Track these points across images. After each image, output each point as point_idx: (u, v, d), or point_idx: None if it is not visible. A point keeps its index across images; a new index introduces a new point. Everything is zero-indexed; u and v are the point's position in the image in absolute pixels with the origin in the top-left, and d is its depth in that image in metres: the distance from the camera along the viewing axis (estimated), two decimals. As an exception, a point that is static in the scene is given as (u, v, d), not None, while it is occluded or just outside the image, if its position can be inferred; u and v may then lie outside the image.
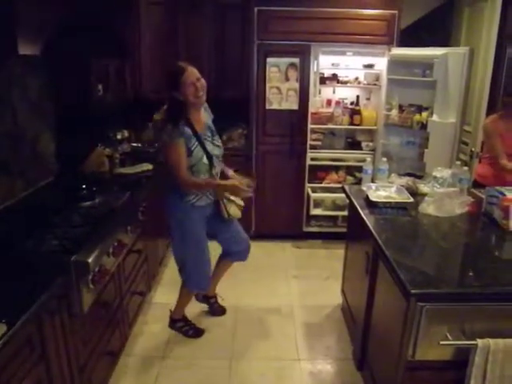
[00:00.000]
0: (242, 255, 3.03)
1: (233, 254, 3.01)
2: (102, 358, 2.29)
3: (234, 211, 2.77)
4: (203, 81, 2.48)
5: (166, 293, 3.47)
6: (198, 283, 2.86)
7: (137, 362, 2.73)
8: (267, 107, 4.08)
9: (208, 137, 2.60)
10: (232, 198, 2.75)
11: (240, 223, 2.99)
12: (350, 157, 4.36)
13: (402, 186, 2.86)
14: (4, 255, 1.89)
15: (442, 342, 1.72)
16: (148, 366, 2.70)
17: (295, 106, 4.08)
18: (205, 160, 2.54)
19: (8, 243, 1.98)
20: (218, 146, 2.66)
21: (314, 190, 4.37)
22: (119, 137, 3.82)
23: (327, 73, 4.22)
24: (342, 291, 3.22)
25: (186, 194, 2.61)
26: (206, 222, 2.74)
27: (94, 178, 3.05)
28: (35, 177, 2.77)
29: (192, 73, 2.43)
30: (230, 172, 2.80)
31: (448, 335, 1.74)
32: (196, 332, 3.01)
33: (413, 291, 1.71)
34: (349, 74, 4.30)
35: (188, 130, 2.48)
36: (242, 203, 2.82)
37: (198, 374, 2.64)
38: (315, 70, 4.02)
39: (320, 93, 4.30)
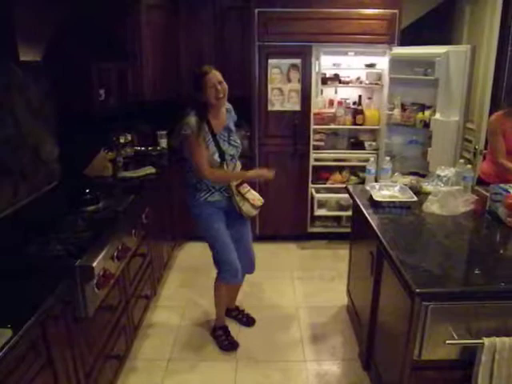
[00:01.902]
0: (249, 267, 2.99)
1: (241, 263, 2.89)
2: (108, 362, 2.29)
3: (247, 209, 2.76)
4: (225, 84, 2.62)
5: (171, 296, 3.48)
6: (229, 272, 2.80)
7: (143, 365, 2.73)
8: (269, 108, 4.09)
9: (224, 136, 2.71)
10: (247, 196, 2.77)
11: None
12: (353, 157, 4.36)
13: (406, 185, 2.85)
14: (9, 260, 1.90)
15: (448, 342, 1.72)
16: (154, 369, 2.70)
17: (297, 107, 4.08)
18: (216, 157, 2.65)
19: (12, 248, 1.99)
20: (234, 145, 2.75)
21: (318, 191, 4.37)
22: (122, 140, 3.83)
23: (329, 73, 4.22)
24: (348, 291, 3.22)
25: (197, 191, 2.71)
26: (223, 216, 2.79)
27: (97, 182, 3.07)
28: (39, 182, 2.78)
29: (214, 75, 2.58)
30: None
31: (454, 334, 1.73)
32: (231, 345, 2.93)
33: (417, 290, 1.70)
34: (350, 74, 4.30)
35: (206, 127, 2.62)
36: (259, 203, 2.81)
37: (203, 377, 2.65)
38: (317, 70, 4.02)
39: (322, 93, 4.31)
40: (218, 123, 2.70)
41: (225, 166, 2.68)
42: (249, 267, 2.99)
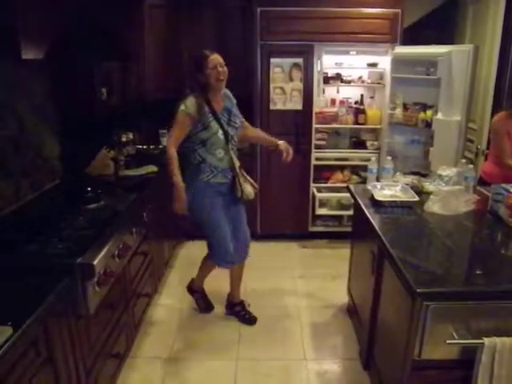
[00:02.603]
0: (244, 251, 3.05)
1: (235, 246, 2.98)
2: (108, 360, 2.30)
3: (248, 191, 2.87)
4: (226, 69, 2.71)
5: (172, 294, 3.49)
6: (224, 257, 2.94)
7: (143, 363, 2.74)
8: (271, 108, 4.09)
9: (224, 117, 2.79)
10: (248, 177, 2.91)
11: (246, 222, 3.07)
12: (355, 156, 4.36)
13: (407, 184, 2.85)
14: (10, 258, 1.90)
15: (448, 341, 1.71)
16: (154, 367, 2.71)
17: (299, 106, 4.08)
18: (220, 135, 2.74)
19: (14, 246, 1.99)
20: (233, 126, 2.84)
21: (320, 190, 4.36)
22: (124, 139, 3.83)
23: (331, 72, 4.22)
24: (348, 291, 3.21)
25: (199, 173, 2.78)
26: (221, 200, 2.86)
27: (99, 181, 3.07)
28: (40, 180, 2.78)
29: (216, 58, 2.69)
30: (280, 142, 3.02)
31: (454, 334, 1.73)
32: (207, 307, 3.25)
33: (418, 290, 1.70)
34: (352, 73, 4.30)
35: (206, 107, 2.70)
36: (256, 185, 2.96)
37: (204, 375, 2.65)
38: (319, 69, 4.02)
39: (324, 92, 4.31)
40: (218, 104, 2.78)
41: (229, 146, 2.78)
42: (244, 251, 3.06)
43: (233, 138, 2.82)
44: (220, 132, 2.74)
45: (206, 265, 3.15)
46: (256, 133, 3.20)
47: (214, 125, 2.72)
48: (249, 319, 3.16)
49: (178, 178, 2.70)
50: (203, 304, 3.26)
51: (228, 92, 2.89)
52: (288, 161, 2.98)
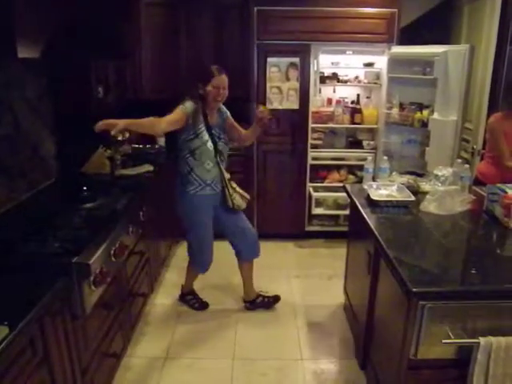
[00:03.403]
0: (253, 251, 3.15)
1: (244, 250, 3.12)
2: (104, 360, 2.29)
3: (238, 201, 2.95)
4: (227, 92, 2.78)
5: (168, 294, 3.48)
6: (199, 263, 3.12)
7: (139, 363, 2.73)
8: (268, 107, 4.07)
9: (216, 132, 2.85)
10: (238, 189, 2.98)
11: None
12: (351, 156, 4.36)
13: (403, 184, 2.86)
14: (6, 257, 1.89)
15: (444, 341, 1.72)
16: (151, 367, 2.70)
17: (296, 106, 4.08)
18: (209, 145, 2.79)
19: (9, 245, 1.98)
20: (223, 142, 2.91)
21: (316, 190, 4.37)
22: (120, 138, 3.81)
23: (327, 72, 4.22)
24: (345, 290, 3.22)
25: (188, 185, 2.85)
26: (211, 211, 2.95)
27: (95, 180, 3.06)
28: (36, 179, 2.78)
29: (222, 80, 2.74)
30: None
31: (450, 333, 1.73)
32: (201, 305, 3.29)
33: (414, 290, 1.70)
34: (349, 73, 4.30)
35: (200, 115, 2.76)
36: (247, 196, 3.03)
37: (200, 375, 2.65)
38: (315, 69, 4.02)
39: (320, 92, 4.30)
40: (211, 119, 2.84)
41: (218, 158, 2.85)
42: (253, 252, 3.15)
43: (222, 154, 2.90)
44: (209, 143, 2.79)
45: (191, 271, 3.25)
46: (247, 132, 3.10)
47: (205, 135, 2.78)
48: (273, 301, 3.29)
49: (129, 120, 2.50)
50: (197, 303, 3.30)
51: (222, 106, 2.94)
52: (265, 116, 2.82)
